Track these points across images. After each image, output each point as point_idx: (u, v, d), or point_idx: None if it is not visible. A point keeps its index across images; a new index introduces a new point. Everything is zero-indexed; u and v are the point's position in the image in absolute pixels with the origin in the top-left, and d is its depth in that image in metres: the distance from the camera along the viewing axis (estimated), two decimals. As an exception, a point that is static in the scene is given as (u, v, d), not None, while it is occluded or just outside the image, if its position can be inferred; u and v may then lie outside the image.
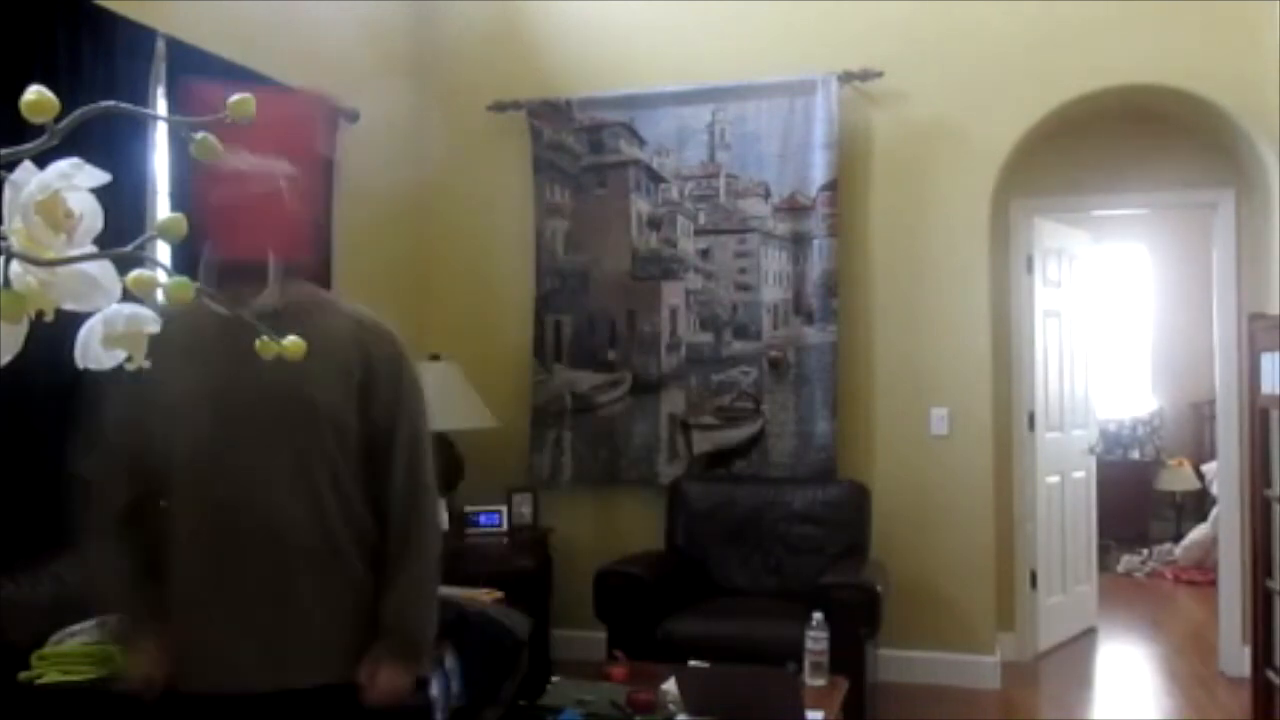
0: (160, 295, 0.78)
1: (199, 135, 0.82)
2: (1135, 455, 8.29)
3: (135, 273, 0.78)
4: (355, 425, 1.97)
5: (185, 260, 2.20)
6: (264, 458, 1.91)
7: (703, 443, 4.93)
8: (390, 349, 2.05)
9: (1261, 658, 4.00)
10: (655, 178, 5.01)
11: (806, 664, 3.34)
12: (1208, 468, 7.34)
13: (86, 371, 0.82)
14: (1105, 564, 6.74)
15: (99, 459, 1.98)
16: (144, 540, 1.95)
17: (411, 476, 2.02)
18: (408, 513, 2.02)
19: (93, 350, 0.82)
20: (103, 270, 0.79)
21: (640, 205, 5.03)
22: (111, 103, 0.83)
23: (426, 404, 2.11)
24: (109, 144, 3.04)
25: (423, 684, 2.23)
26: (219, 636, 1.91)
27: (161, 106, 3.54)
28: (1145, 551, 7.41)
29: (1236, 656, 4.68)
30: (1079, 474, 5.68)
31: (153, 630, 1.94)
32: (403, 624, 2.00)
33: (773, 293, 4.85)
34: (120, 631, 2.14)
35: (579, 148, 5.10)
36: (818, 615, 3.41)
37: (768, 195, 4.86)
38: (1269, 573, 3.98)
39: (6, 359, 0.76)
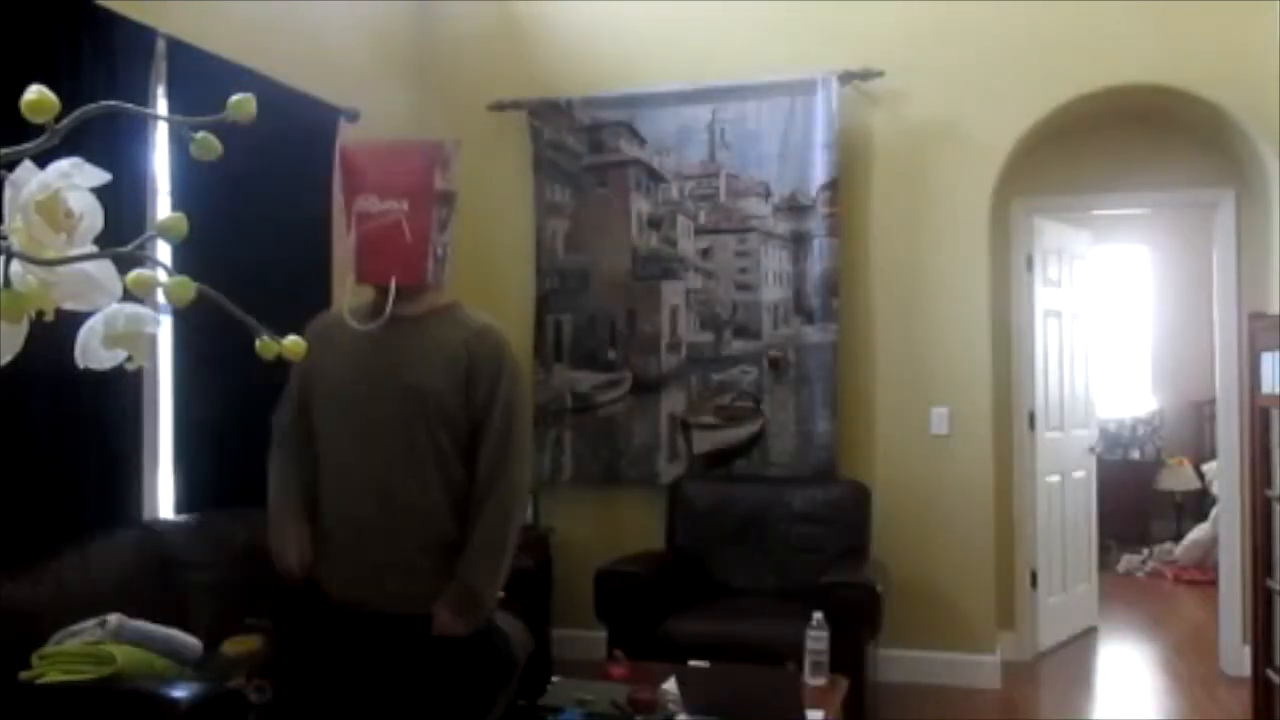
0: (160, 295, 0.78)
1: (199, 135, 0.82)
2: (1135, 455, 8.29)
3: (135, 273, 0.78)
4: (461, 409, 2.41)
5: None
6: (381, 432, 2.40)
7: (703, 442, 4.93)
8: (493, 351, 2.46)
9: (1261, 658, 4.00)
10: (655, 177, 5.01)
11: (806, 664, 3.33)
12: (1208, 467, 7.33)
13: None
14: (1105, 564, 6.73)
15: (283, 412, 2.59)
16: (303, 471, 2.51)
17: (497, 456, 2.41)
18: (488, 485, 2.41)
19: (93, 350, 0.82)
20: (103, 270, 0.79)
21: (640, 205, 5.03)
22: (111, 103, 0.83)
23: (525, 400, 2.55)
24: (109, 144, 3.04)
25: (485, 631, 2.47)
26: (344, 564, 2.44)
27: (161, 106, 3.53)
28: (1145, 551, 7.41)
29: (1236, 656, 4.68)
30: (1079, 473, 5.67)
31: (296, 531, 2.48)
32: (466, 577, 2.39)
33: (773, 292, 4.85)
34: (273, 528, 2.57)
35: (579, 147, 5.09)
36: (818, 615, 3.41)
37: (768, 195, 4.86)
38: (1269, 572, 3.98)
39: (6, 359, 0.76)
